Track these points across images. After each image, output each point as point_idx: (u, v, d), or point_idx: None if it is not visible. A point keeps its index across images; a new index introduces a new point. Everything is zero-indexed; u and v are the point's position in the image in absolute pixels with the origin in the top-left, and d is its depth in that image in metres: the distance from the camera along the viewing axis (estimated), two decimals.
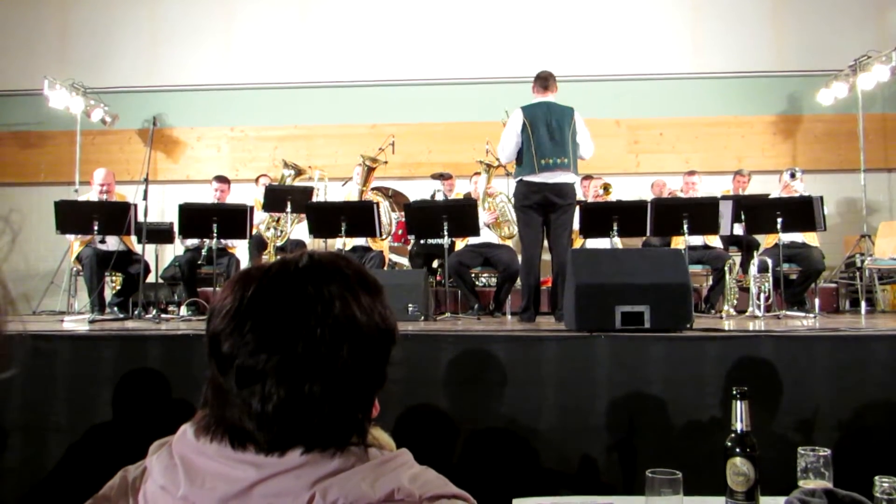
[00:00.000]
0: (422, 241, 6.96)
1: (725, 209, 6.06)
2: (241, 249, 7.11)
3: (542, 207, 5.41)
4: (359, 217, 6.04)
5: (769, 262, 5.61)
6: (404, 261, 7.69)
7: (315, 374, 0.89)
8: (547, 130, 5.35)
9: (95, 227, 5.84)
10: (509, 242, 6.77)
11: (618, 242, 6.03)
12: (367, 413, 0.96)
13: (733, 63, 8.89)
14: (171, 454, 0.94)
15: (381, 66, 9.10)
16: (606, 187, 7.33)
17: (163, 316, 5.62)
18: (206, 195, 7.47)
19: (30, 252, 8.45)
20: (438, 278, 7.03)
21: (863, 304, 6.71)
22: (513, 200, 5.80)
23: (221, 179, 7.43)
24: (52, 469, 3.38)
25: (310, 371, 0.88)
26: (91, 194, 6.68)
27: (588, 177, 7.82)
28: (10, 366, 0.66)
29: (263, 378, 0.88)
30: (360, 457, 0.91)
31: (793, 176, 6.66)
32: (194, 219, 6.07)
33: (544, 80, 5.56)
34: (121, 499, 0.96)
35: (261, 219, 6.96)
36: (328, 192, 7.57)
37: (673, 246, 6.65)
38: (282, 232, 7.00)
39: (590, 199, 7.21)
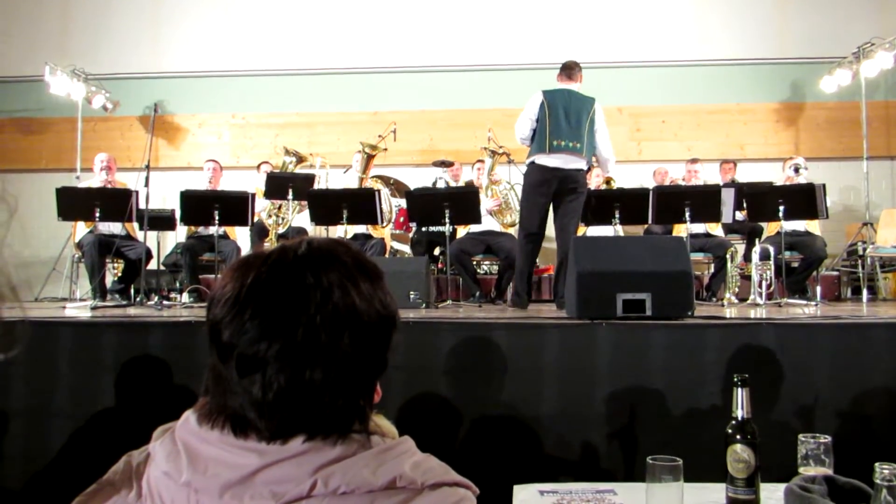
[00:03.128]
0: (423, 229, 6.95)
1: (727, 197, 6.05)
2: (242, 237, 7.10)
3: (552, 193, 5.34)
4: (360, 204, 6.03)
5: (771, 249, 5.60)
6: (406, 248, 7.69)
7: (316, 362, 0.89)
8: (564, 114, 5.29)
9: (97, 214, 5.86)
10: (511, 230, 6.77)
11: (619, 230, 6.03)
12: (369, 399, 0.96)
13: (736, 50, 8.84)
14: (174, 440, 0.94)
15: (383, 53, 9.07)
16: (609, 181, 7.31)
17: (164, 303, 5.63)
18: (205, 182, 7.45)
19: (31, 239, 8.45)
20: (440, 266, 7.03)
21: (864, 292, 6.72)
22: (521, 183, 5.73)
23: (212, 160, 7.48)
24: (54, 455, 3.40)
25: (310, 358, 0.89)
26: (93, 181, 6.70)
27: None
28: (13, 347, 0.67)
29: (264, 366, 0.88)
30: (362, 444, 0.91)
31: (796, 171, 6.62)
32: (196, 206, 6.09)
33: (570, 70, 5.52)
34: (125, 483, 0.96)
35: (262, 206, 6.95)
36: (329, 180, 7.56)
37: (674, 234, 6.65)
38: (283, 219, 7.00)
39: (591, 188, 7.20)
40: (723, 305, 5.57)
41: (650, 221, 6.12)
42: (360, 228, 6.77)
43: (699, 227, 6.48)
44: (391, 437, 0.96)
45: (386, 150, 6.83)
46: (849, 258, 7.76)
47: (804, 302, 5.57)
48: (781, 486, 1.66)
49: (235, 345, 0.89)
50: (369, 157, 6.75)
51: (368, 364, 0.95)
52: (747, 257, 6.34)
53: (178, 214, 6.37)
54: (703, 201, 5.89)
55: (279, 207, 6.99)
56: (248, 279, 0.92)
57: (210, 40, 9.26)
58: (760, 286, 5.45)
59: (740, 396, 1.73)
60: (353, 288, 0.93)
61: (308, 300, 0.89)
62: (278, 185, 6.53)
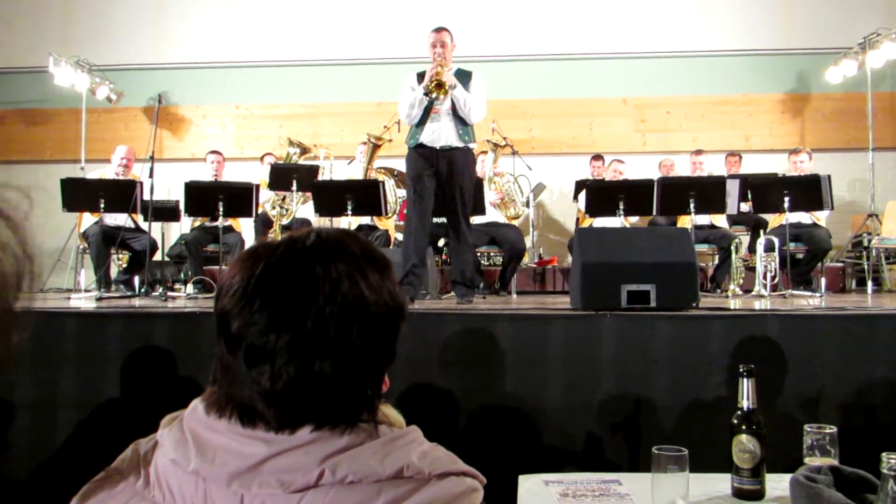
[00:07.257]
0: None
1: (732, 188, 6.03)
2: (246, 228, 7.10)
3: None
4: (364, 196, 6.03)
5: (776, 241, 5.59)
6: None
7: (324, 353, 0.89)
8: None
9: (101, 205, 5.87)
10: (515, 222, 6.76)
11: (625, 221, 6.01)
12: (377, 389, 0.97)
13: (741, 41, 8.80)
14: (182, 429, 0.94)
15: (388, 43, 9.02)
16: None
17: (169, 294, 5.63)
18: (209, 174, 7.46)
19: (36, 230, 8.45)
20: (444, 257, 7.02)
21: (869, 283, 6.69)
22: (525, 175, 5.66)
23: (215, 152, 7.48)
24: (60, 445, 3.41)
25: (319, 350, 0.89)
26: (108, 170, 6.72)
27: (598, 156, 7.79)
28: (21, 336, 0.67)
29: (273, 357, 0.88)
30: (369, 433, 0.91)
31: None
32: (200, 197, 6.09)
33: None
34: (132, 471, 0.96)
35: (266, 197, 6.95)
36: (334, 171, 7.55)
37: (679, 225, 6.63)
38: (287, 210, 7.00)
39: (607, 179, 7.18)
40: (727, 297, 5.57)
41: (655, 213, 6.10)
42: (365, 220, 6.76)
43: (703, 219, 6.46)
44: (399, 427, 0.96)
45: (391, 140, 6.83)
46: (854, 250, 7.74)
47: (809, 293, 5.56)
48: (787, 477, 1.66)
49: (244, 336, 0.89)
50: (375, 148, 6.74)
51: (377, 355, 0.95)
52: (752, 249, 6.32)
53: (182, 206, 6.37)
54: (708, 192, 5.86)
55: (283, 198, 6.98)
56: (256, 270, 0.92)
57: (214, 31, 9.24)
58: (765, 278, 5.44)
59: (746, 387, 1.73)
60: (362, 279, 0.93)
61: (317, 291, 0.90)
62: (282, 176, 6.53)
